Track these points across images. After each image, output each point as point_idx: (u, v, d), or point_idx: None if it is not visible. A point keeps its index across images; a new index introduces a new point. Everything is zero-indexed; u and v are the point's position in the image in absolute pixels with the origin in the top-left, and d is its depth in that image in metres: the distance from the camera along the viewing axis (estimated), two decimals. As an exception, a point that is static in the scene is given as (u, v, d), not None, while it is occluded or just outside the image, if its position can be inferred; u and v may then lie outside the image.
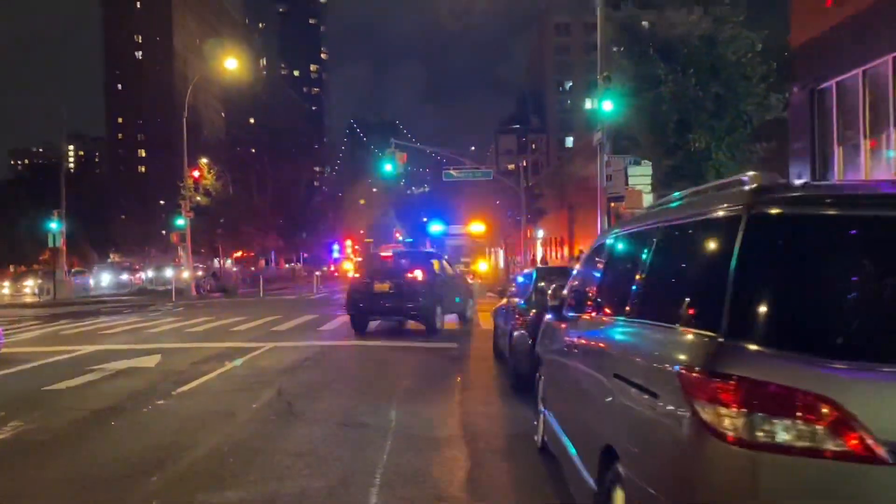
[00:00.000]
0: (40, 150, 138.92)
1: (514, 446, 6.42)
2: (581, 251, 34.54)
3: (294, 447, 6.33)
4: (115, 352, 12.97)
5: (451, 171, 33.56)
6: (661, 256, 3.33)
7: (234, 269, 64.74)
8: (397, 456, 6.07)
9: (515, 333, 9.06)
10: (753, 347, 2.39)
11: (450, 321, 17.88)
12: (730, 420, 2.34)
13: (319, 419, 7.43)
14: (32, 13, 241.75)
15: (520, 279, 10.82)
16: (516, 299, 9.96)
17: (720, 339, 2.47)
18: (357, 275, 17.62)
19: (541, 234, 50.23)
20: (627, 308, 3.48)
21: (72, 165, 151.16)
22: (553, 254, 56.06)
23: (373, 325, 18.05)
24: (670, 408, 2.64)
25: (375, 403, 8.22)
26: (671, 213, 3.44)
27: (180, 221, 35.51)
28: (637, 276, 3.48)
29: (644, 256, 3.48)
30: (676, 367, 2.61)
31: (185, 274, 36.61)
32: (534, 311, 8.74)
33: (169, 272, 41.54)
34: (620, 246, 4.28)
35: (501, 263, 62.47)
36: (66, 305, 29.98)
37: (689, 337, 2.71)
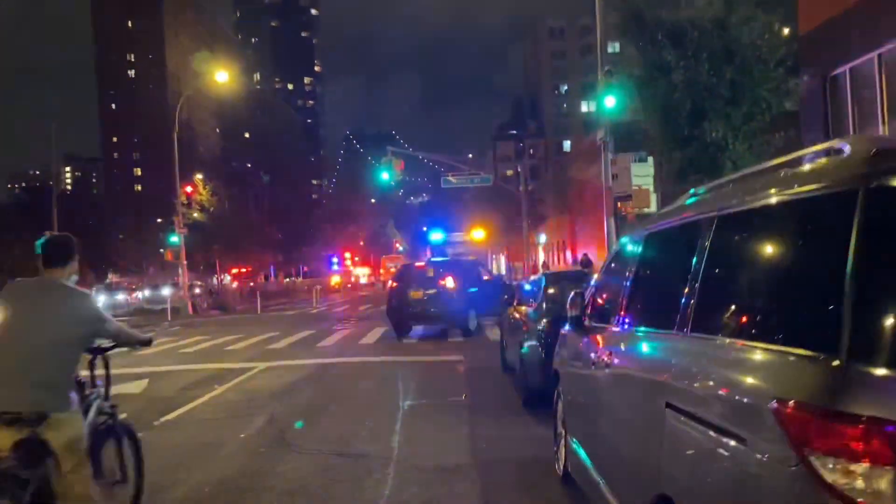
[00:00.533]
0: (37, 172, 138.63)
1: (531, 474, 5.70)
2: (585, 255, 33.83)
3: (285, 484, 5.62)
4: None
5: (450, 178, 32.84)
6: (723, 254, 2.62)
7: (234, 284, 64.04)
8: (401, 490, 5.37)
9: (526, 345, 8.35)
10: (888, 373, 1.70)
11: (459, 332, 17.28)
12: (866, 481, 1.64)
13: (314, 449, 6.71)
14: (28, 34, 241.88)
15: (527, 286, 10.11)
16: (525, 308, 9.25)
17: (836, 363, 1.77)
18: (395, 284, 18.52)
19: (543, 239, 49.52)
20: (678, 320, 2.76)
21: (69, 187, 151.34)
22: (555, 258, 55.34)
23: (373, 337, 17.38)
24: (765, 457, 1.93)
25: (376, 428, 7.51)
26: (733, 196, 2.71)
27: (174, 238, 34.80)
28: (689, 281, 2.76)
29: (696, 256, 2.77)
30: (772, 402, 1.89)
31: (181, 292, 35.91)
32: (545, 320, 8.05)
33: (165, 291, 40.80)
34: (658, 244, 3.56)
35: (503, 269, 61.73)
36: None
37: (783, 358, 2.00)
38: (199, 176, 60.53)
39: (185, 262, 35.34)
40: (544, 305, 8.32)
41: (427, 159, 59.82)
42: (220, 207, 60.79)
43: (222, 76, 33.86)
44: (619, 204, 15.65)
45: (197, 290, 40.85)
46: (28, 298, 3.83)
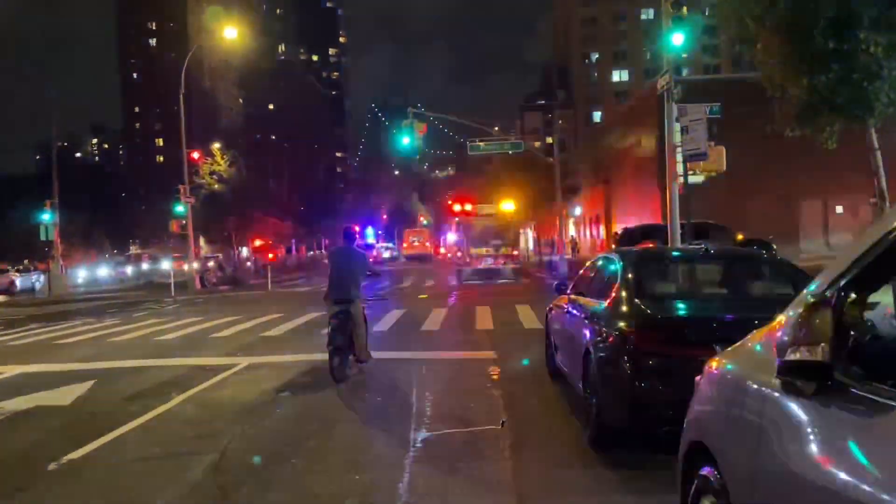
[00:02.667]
0: (65, 144, 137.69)
1: None
2: (626, 229, 30.65)
3: None
4: (39, 376, 9.79)
5: (478, 143, 29.88)
6: None
7: (254, 257, 62.13)
8: None
9: (595, 357, 5.60)
10: None
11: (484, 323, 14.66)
12: None
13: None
14: (54, 5, 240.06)
15: (590, 272, 7.31)
16: (589, 301, 6.48)
17: None
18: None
19: (578, 211, 46.40)
20: None
21: (96, 158, 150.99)
22: (587, 233, 52.23)
23: (387, 323, 14.73)
24: None
25: (369, 488, 4.87)
26: None
27: (179, 208, 32.41)
28: None
29: None
30: None
31: (186, 266, 33.74)
32: (625, 324, 5.28)
33: (165, 264, 38.73)
34: None
35: (531, 245, 58.71)
36: (54, 304, 27.09)
37: None
38: (216, 145, 58.40)
39: (192, 234, 33.02)
40: (626, 302, 5.53)
41: (450, 130, 56.77)
42: (239, 178, 58.73)
43: (231, 32, 31.19)
44: (688, 164, 12.74)
45: (210, 264, 38.61)
46: (342, 255, 9.13)
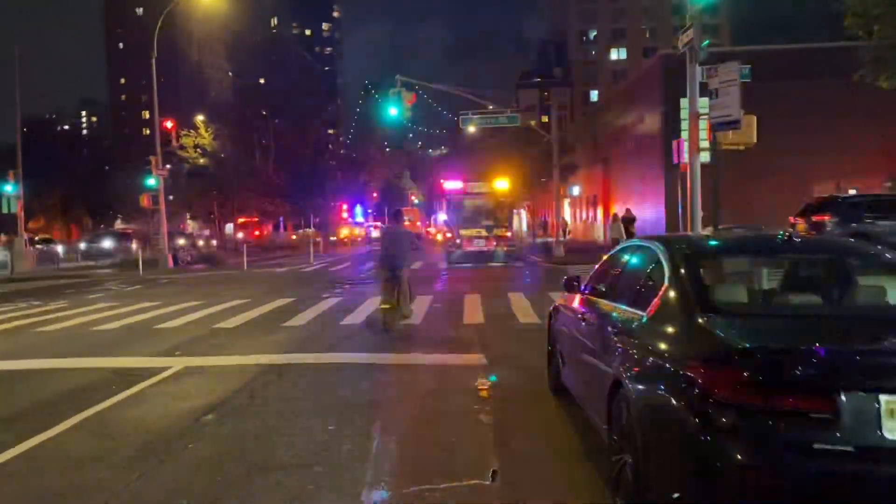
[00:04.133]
0: (53, 116, 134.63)
1: None
2: (627, 209, 28.90)
3: None
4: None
5: (472, 116, 27.86)
6: None
7: (239, 235, 60.27)
8: None
9: (633, 393, 3.78)
10: None
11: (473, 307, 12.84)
12: None
13: None
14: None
15: (616, 266, 5.44)
16: (618, 307, 4.63)
17: None
18: None
19: (576, 191, 44.42)
20: None
21: (84, 131, 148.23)
22: (584, 215, 50.37)
23: (363, 314, 12.86)
24: None
25: None
26: None
27: (151, 181, 30.32)
28: None
29: None
30: None
31: (133, 244, 31.92)
32: (684, 352, 3.46)
33: (106, 242, 36.71)
34: None
35: (524, 227, 56.82)
36: (9, 283, 25.09)
37: None
38: (200, 117, 56.49)
39: (163, 209, 31.04)
40: (682, 316, 3.69)
41: (443, 108, 54.61)
42: (224, 152, 56.74)
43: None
44: (717, 133, 10.88)
45: (181, 241, 36.64)
46: (392, 234, 11.34)
